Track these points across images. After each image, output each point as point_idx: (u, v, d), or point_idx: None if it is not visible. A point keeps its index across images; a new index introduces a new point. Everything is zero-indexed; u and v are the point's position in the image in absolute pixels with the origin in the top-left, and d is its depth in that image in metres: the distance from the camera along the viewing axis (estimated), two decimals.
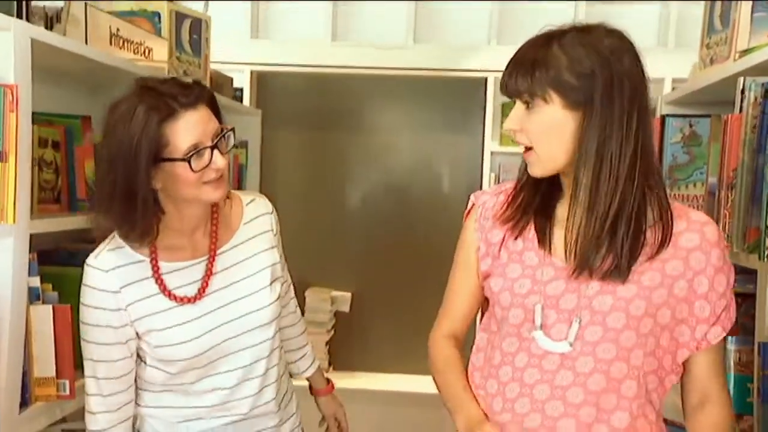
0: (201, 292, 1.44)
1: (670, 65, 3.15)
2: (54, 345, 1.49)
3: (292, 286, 1.75)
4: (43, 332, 1.47)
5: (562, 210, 1.31)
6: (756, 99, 1.33)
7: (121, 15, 2.06)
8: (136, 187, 1.31)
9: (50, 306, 1.48)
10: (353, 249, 3.92)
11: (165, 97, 1.31)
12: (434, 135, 3.91)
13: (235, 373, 1.47)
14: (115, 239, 1.42)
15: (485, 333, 1.37)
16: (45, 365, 1.48)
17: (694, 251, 1.24)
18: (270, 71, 3.77)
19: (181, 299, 1.43)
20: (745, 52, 1.48)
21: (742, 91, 1.38)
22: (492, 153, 3.63)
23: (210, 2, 3.52)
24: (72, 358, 1.52)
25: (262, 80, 3.89)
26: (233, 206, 1.56)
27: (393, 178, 3.95)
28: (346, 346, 3.88)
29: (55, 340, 1.49)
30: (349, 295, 3.87)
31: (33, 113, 1.64)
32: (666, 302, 1.24)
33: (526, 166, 1.31)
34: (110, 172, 1.32)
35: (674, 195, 1.84)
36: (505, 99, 1.31)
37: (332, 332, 3.80)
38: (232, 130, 1.42)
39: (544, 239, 1.30)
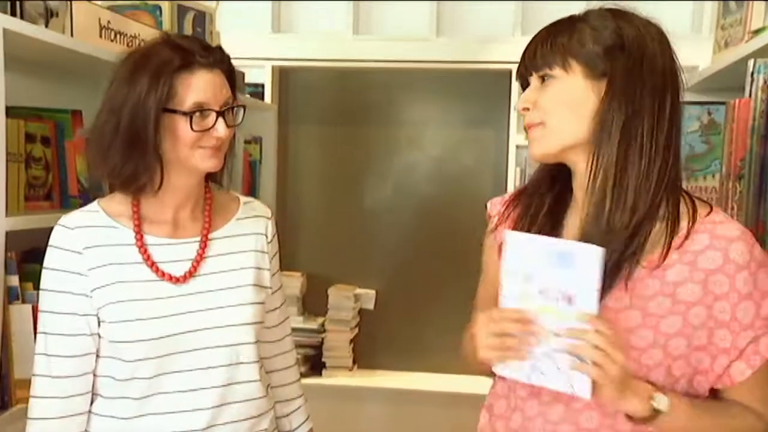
0: (189, 274, 1.36)
1: (704, 53, 3.01)
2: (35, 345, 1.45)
3: (288, 320, 1.61)
4: (23, 332, 1.44)
5: (572, 218, 1.21)
6: (765, 82, 1.22)
7: (122, 9, 2.04)
8: (140, 132, 1.27)
9: (30, 305, 1.45)
10: (378, 246, 3.86)
11: (184, 50, 1.29)
12: (458, 129, 3.83)
13: (194, 374, 1.34)
14: (94, 203, 1.38)
15: None
16: (25, 366, 1.44)
17: (714, 274, 1.08)
18: (291, 66, 3.73)
19: (167, 276, 1.34)
20: (757, 32, 1.37)
21: (752, 74, 1.27)
22: (517, 147, 3.53)
23: None
24: None
25: (283, 75, 3.85)
26: (230, 201, 1.51)
27: (417, 174, 3.88)
28: (371, 344, 3.83)
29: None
30: (373, 292, 3.81)
31: (21, 108, 1.62)
32: (680, 332, 1.10)
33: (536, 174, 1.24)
34: (114, 115, 1.28)
35: (690, 187, 1.73)
36: (521, 76, 1.20)
37: (356, 330, 3.75)
38: (243, 107, 1.39)
39: None
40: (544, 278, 1.07)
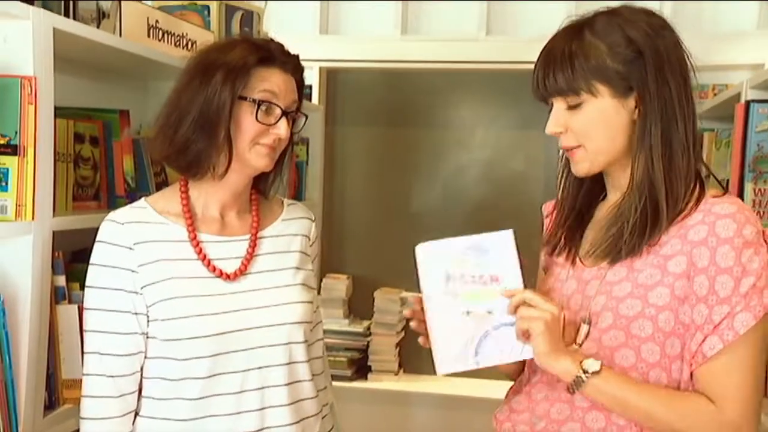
0: (240, 271, 1.35)
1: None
2: (81, 346, 1.44)
3: (321, 325, 1.56)
4: (69, 332, 1.43)
5: (603, 209, 1.25)
6: None
7: (170, 9, 2.03)
8: (214, 116, 1.28)
9: (76, 305, 1.43)
10: None
11: (264, 49, 1.33)
12: (508, 131, 3.76)
13: (252, 374, 1.32)
14: (141, 201, 1.38)
15: None
16: (72, 367, 1.44)
17: (698, 246, 1.09)
18: (339, 67, 3.71)
19: (220, 272, 1.33)
20: None
21: None
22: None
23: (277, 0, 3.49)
24: None
25: (331, 76, 3.83)
26: (273, 202, 1.50)
27: (465, 176, 3.82)
28: (417, 348, 3.76)
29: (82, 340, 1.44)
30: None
31: (70, 108, 1.62)
32: (668, 305, 1.10)
33: (566, 175, 1.26)
34: (189, 98, 1.30)
35: (759, 189, 1.64)
36: (538, 99, 1.21)
37: (402, 334, 3.70)
38: (305, 116, 1.42)
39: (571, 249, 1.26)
40: (466, 271, 1.21)
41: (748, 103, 1.71)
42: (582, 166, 1.18)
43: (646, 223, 1.13)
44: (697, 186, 1.14)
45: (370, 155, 3.90)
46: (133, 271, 1.29)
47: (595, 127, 1.14)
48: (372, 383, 3.61)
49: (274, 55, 1.34)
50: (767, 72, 1.73)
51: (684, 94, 1.13)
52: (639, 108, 1.12)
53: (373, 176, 3.89)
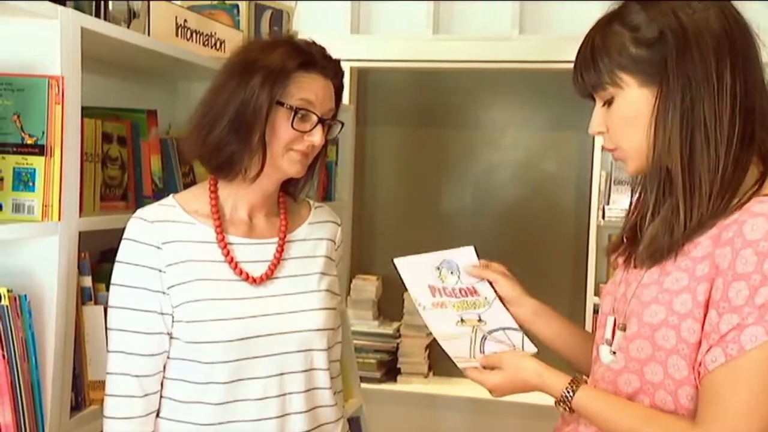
0: (267, 276, 1.34)
1: None
2: (107, 347, 1.43)
3: (340, 330, 1.50)
4: (96, 334, 1.42)
5: None
6: None
7: (199, 9, 2.02)
8: (251, 118, 1.27)
9: (102, 306, 1.42)
10: None
11: (305, 52, 1.32)
12: (541, 131, 3.71)
13: (273, 381, 1.31)
14: (170, 198, 1.36)
15: None
16: (99, 368, 1.43)
17: (723, 246, 0.98)
18: (370, 67, 3.69)
19: (247, 275, 1.32)
20: None
21: None
22: (603, 149, 3.39)
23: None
24: None
25: (361, 76, 3.81)
26: (301, 205, 1.49)
27: (497, 177, 3.77)
28: None
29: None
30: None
31: (98, 108, 1.62)
32: (690, 312, 1.00)
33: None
34: (225, 98, 1.29)
35: None
36: (582, 97, 1.17)
37: (432, 336, 3.66)
38: (341, 124, 1.40)
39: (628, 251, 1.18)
40: (447, 284, 1.27)
41: None
42: (630, 165, 1.11)
43: (665, 223, 1.06)
44: (760, 180, 1.03)
45: (401, 155, 3.87)
46: (160, 271, 1.28)
47: (624, 122, 1.07)
48: (401, 386, 3.59)
49: (316, 60, 1.32)
50: None
51: (717, 71, 1.00)
52: (659, 96, 1.03)
53: (403, 176, 3.86)
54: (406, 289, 1.33)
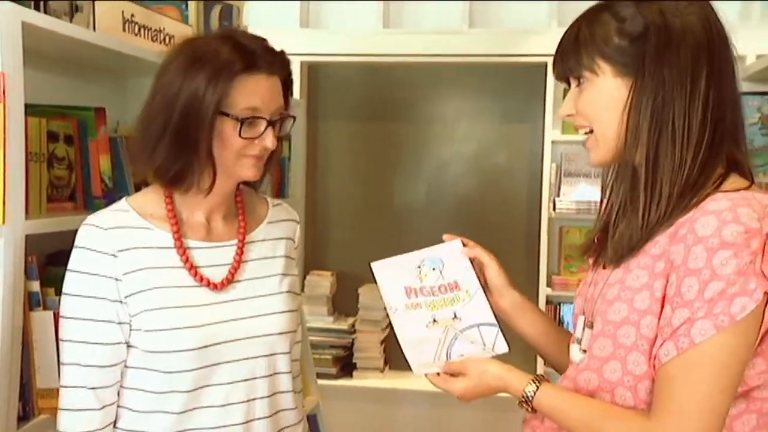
0: (228, 280, 1.30)
1: (754, 41, 2.87)
2: (57, 354, 1.38)
3: (303, 327, 1.52)
4: (45, 340, 1.37)
5: None
6: None
7: (147, 3, 1.97)
8: (193, 132, 1.21)
9: (52, 312, 1.38)
10: (410, 244, 3.72)
11: (247, 50, 1.23)
12: (492, 124, 3.73)
13: (238, 387, 1.28)
14: (123, 202, 1.30)
15: None
16: (48, 375, 1.38)
17: (677, 243, 1.00)
18: (320, 61, 3.66)
19: (207, 281, 1.28)
20: None
21: None
22: (553, 142, 3.44)
23: None
24: None
25: (312, 71, 3.78)
26: (259, 203, 1.45)
27: (450, 171, 3.79)
28: None
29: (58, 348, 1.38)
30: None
31: (43, 106, 1.56)
32: (650, 308, 1.02)
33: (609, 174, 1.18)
34: (166, 109, 1.22)
35: None
36: (558, 80, 1.17)
37: (387, 330, 3.66)
38: (293, 118, 1.33)
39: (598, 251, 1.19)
40: (426, 283, 1.26)
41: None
42: (594, 155, 1.12)
43: (627, 221, 1.08)
44: (718, 181, 1.04)
45: (353, 150, 3.85)
46: (116, 279, 1.23)
47: (598, 108, 1.08)
48: (357, 381, 3.59)
49: (257, 59, 1.24)
50: (758, 64, 1.70)
51: (693, 78, 1.02)
52: (633, 89, 1.05)
53: (356, 171, 3.85)
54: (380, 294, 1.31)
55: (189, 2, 2.03)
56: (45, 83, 1.63)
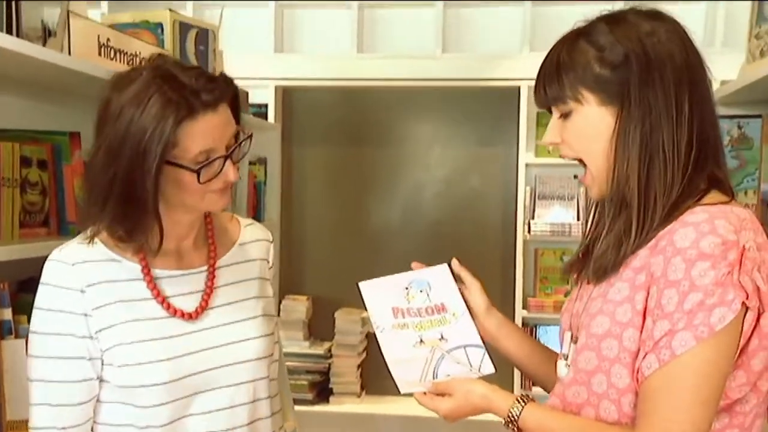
0: (201, 308, 1.26)
1: (717, 66, 2.92)
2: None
3: (280, 346, 1.47)
4: (16, 370, 1.34)
5: None
6: None
7: (122, 27, 1.96)
8: (139, 188, 1.14)
9: (24, 340, 1.34)
10: (385, 267, 3.73)
11: (185, 91, 1.14)
12: (466, 148, 3.75)
13: (220, 415, 1.25)
14: (88, 233, 1.23)
15: None
16: (19, 406, 1.35)
17: (656, 255, 1.02)
18: (295, 86, 3.66)
19: (179, 312, 1.24)
20: None
21: None
22: (527, 165, 3.47)
23: (233, 16, 3.44)
24: None
25: (287, 95, 3.78)
26: (230, 224, 1.41)
27: (424, 194, 3.80)
28: (379, 369, 3.71)
29: None
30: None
31: (15, 131, 1.54)
32: (631, 321, 1.03)
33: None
34: (110, 166, 1.14)
35: None
36: (540, 108, 1.18)
37: (363, 355, 3.64)
38: (250, 137, 1.25)
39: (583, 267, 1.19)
40: (413, 304, 1.27)
41: None
42: (593, 190, 1.13)
43: (615, 240, 1.09)
44: (701, 196, 1.06)
45: (328, 174, 3.85)
46: (86, 315, 1.19)
47: (584, 137, 1.09)
48: (334, 406, 3.56)
49: (201, 96, 1.14)
50: (727, 88, 1.73)
51: (676, 101, 1.04)
52: (620, 117, 1.06)
53: (331, 195, 3.84)
54: (366, 312, 1.31)
55: (164, 27, 2.02)
56: (17, 107, 1.61)
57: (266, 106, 3.54)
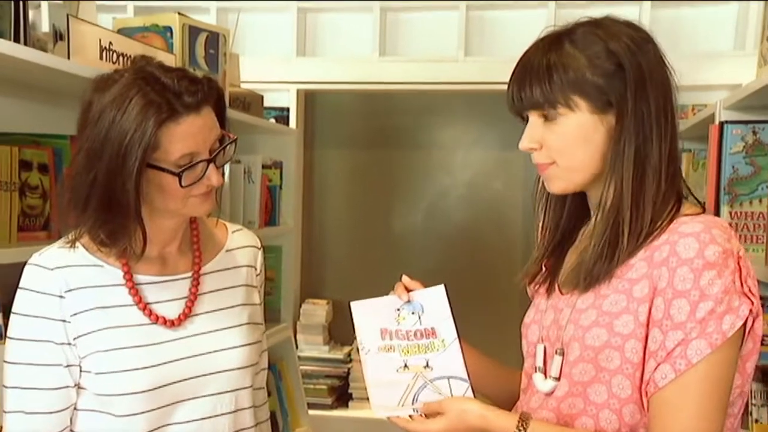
0: (184, 315, 1.24)
1: (748, 70, 2.84)
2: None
3: (266, 354, 1.44)
4: None
5: (586, 233, 1.16)
6: None
7: (131, 31, 1.97)
8: (120, 191, 1.12)
9: None
10: (407, 272, 3.72)
11: (167, 92, 1.12)
12: (490, 151, 3.71)
13: (202, 424, 1.24)
14: (70, 237, 1.22)
15: None
16: None
17: (659, 267, 1.02)
18: (317, 89, 3.66)
19: (161, 319, 1.22)
20: None
21: None
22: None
23: (255, 21, 3.45)
24: None
25: (308, 99, 3.78)
26: (217, 230, 1.39)
27: (447, 198, 3.77)
28: None
29: None
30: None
31: (15, 134, 1.55)
32: (633, 333, 1.03)
33: (546, 198, 1.19)
34: (91, 168, 1.13)
35: (735, 212, 1.59)
36: (513, 112, 1.15)
37: None
38: (234, 141, 1.23)
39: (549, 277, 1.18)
40: (402, 326, 1.22)
41: (722, 124, 1.65)
42: (556, 184, 1.11)
43: (608, 249, 1.07)
44: (674, 207, 1.08)
45: (350, 178, 3.84)
46: (64, 321, 1.17)
47: (571, 143, 1.07)
48: (353, 411, 3.53)
49: (183, 98, 1.13)
50: (741, 92, 1.67)
51: (663, 113, 1.06)
52: (617, 124, 1.06)
53: (352, 199, 3.83)
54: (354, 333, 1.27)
55: (174, 30, 2.03)
56: (17, 110, 1.62)
57: (287, 109, 3.55)
